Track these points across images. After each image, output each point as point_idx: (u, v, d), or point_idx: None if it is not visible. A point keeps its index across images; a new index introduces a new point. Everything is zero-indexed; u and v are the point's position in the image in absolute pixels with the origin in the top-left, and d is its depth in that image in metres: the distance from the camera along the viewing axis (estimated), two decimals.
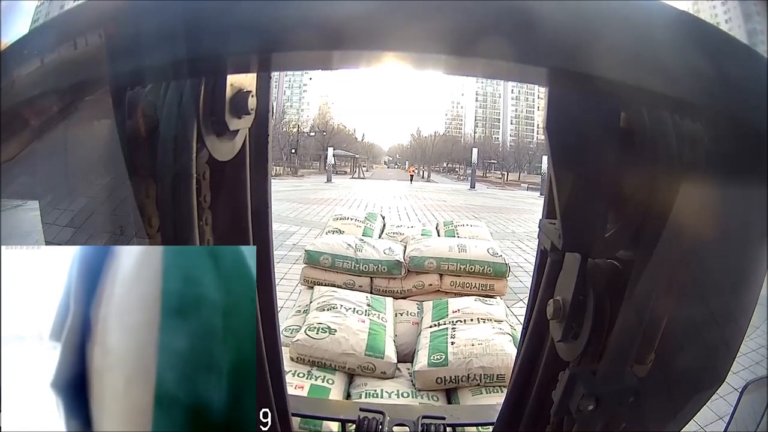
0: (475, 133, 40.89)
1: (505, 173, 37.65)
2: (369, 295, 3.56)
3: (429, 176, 39.40)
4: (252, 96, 1.04)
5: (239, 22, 0.55)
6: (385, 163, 45.09)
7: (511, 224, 12.70)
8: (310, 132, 38.60)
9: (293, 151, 35.22)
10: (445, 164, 41.77)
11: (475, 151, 32.12)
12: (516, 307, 4.75)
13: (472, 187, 29.06)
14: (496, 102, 41.35)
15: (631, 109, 0.81)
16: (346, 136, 41.25)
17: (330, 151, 31.87)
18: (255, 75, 1.07)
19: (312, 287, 3.67)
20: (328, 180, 28.72)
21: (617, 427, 0.92)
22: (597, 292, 0.92)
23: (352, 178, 34.54)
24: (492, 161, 38.91)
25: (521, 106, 40.64)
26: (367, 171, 38.93)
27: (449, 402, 2.72)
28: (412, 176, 33.32)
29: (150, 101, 0.89)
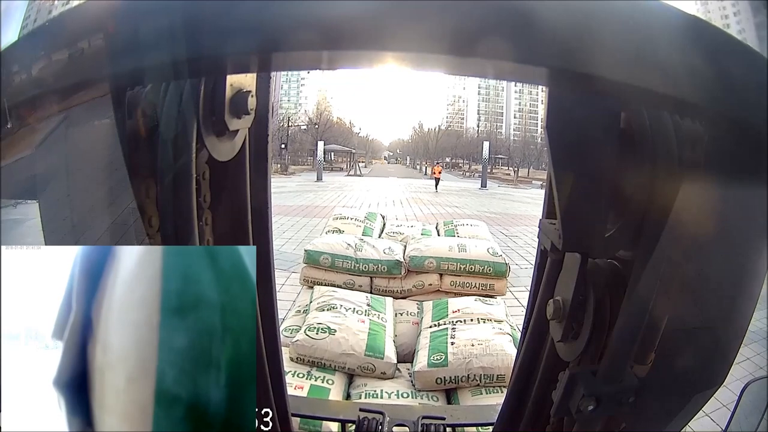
0: (478, 126, 40.22)
1: (516, 169, 34.81)
2: (369, 295, 3.56)
3: (433, 173, 37.36)
4: (252, 96, 1.04)
5: (239, 22, 0.55)
6: (385, 158, 44.35)
7: None
8: (301, 126, 35.88)
9: (283, 146, 31.43)
10: (448, 159, 39.75)
11: (486, 144, 29.14)
12: None
13: (483, 185, 25.82)
14: (499, 95, 40.71)
15: (631, 109, 0.81)
16: (343, 130, 39.11)
17: (320, 145, 28.53)
18: (255, 75, 1.07)
19: (312, 287, 3.67)
20: (319, 178, 25.34)
21: (617, 427, 0.92)
22: (597, 292, 0.92)
23: (348, 175, 31.59)
24: (500, 156, 36.88)
25: (524, 100, 39.95)
26: (365, 167, 36.92)
27: (449, 402, 2.72)
28: (438, 180, 24.40)
29: (150, 101, 0.89)
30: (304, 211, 12.25)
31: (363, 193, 19.45)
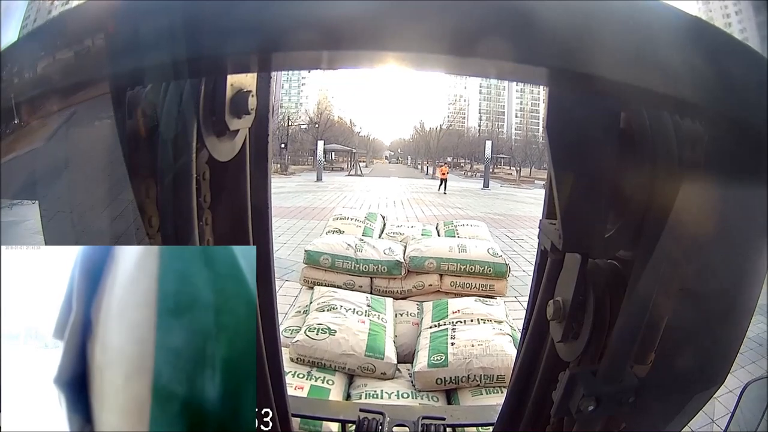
0: (479, 126, 39.83)
1: (519, 169, 33.25)
2: (369, 295, 3.56)
3: (434, 172, 34.23)
4: (252, 96, 1.04)
5: (239, 22, 0.55)
6: (386, 158, 44.09)
7: None
8: (301, 125, 34.85)
9: (282, 146, 30.03)
10: (450, 159, 38.43)
11: (488, 144, 28.29)
12: None
13: (486, 185, 24.87)
14: (501, 94, 40.22)
15: (631, 109, 0.81)
16: (344, 129, 38.24)
17: (320, 145, 27.49)
18: (255, 75, 1.07)
19: (312, 288, 3.67)
20: (318, 179, 24.48)
21: (617, 427, 0.92)
22: (597, 293, 0.92)
23: (348, 175, 30.76)
24: (502, 156, 35.57)
25: (526, 99, 39.51)
26: (366, 167, 36.16)
27: (449, 402, 2.72)
28: (444, 181, 21.94)
29: (150, 101, 0.89)
30: (302, 213, 11.63)
31: (363, 193, 18.86)
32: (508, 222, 11.63)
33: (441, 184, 21.84)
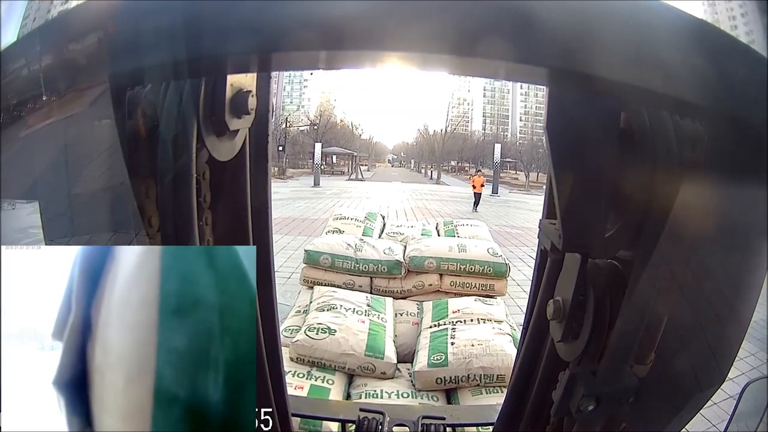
0: (484, 129, 39.40)
1: (527, 174, 31.73)
2: (369, 295, 3.55)
3: (439, 177, 33.81)
4: (252, 96, 1.04)
5: (239, 22, 0.55)
6: (389, 161, 43.83)
7: None
8: (300, 126, 33.89)
9: (280, 148, 28.62)
10: (454, 163, 37.99)
11: (497, 147, 26.72)
12: None
13: (495, 191, 22.93)
14: (505, 98, 39.70)
15: (631, 109, 0.81)
16: (346, 132, 37.47)
17: (318, 148, 25.75)
18: (255, 75, 1.07)
19: (312, 287, 3.67)
20: (316, 183, 22.93)
21: (617, 427, 0.92)
22: (597, 292, 0.92)
23: (349, 179, 29.43)
24: (508, 160, 34.19)
25: (530, 102, 39.19)
26: (367, 170, 35.37)
27: (449, 402, 2.72)
28: (478, 196, 17.15)
29: (150, 101, 0.89)
30: (289, 226, 10.23)
31: (363, 200, 17.26)
32: (528, 238, 9.82)
33: (475, 203, 17.07)
